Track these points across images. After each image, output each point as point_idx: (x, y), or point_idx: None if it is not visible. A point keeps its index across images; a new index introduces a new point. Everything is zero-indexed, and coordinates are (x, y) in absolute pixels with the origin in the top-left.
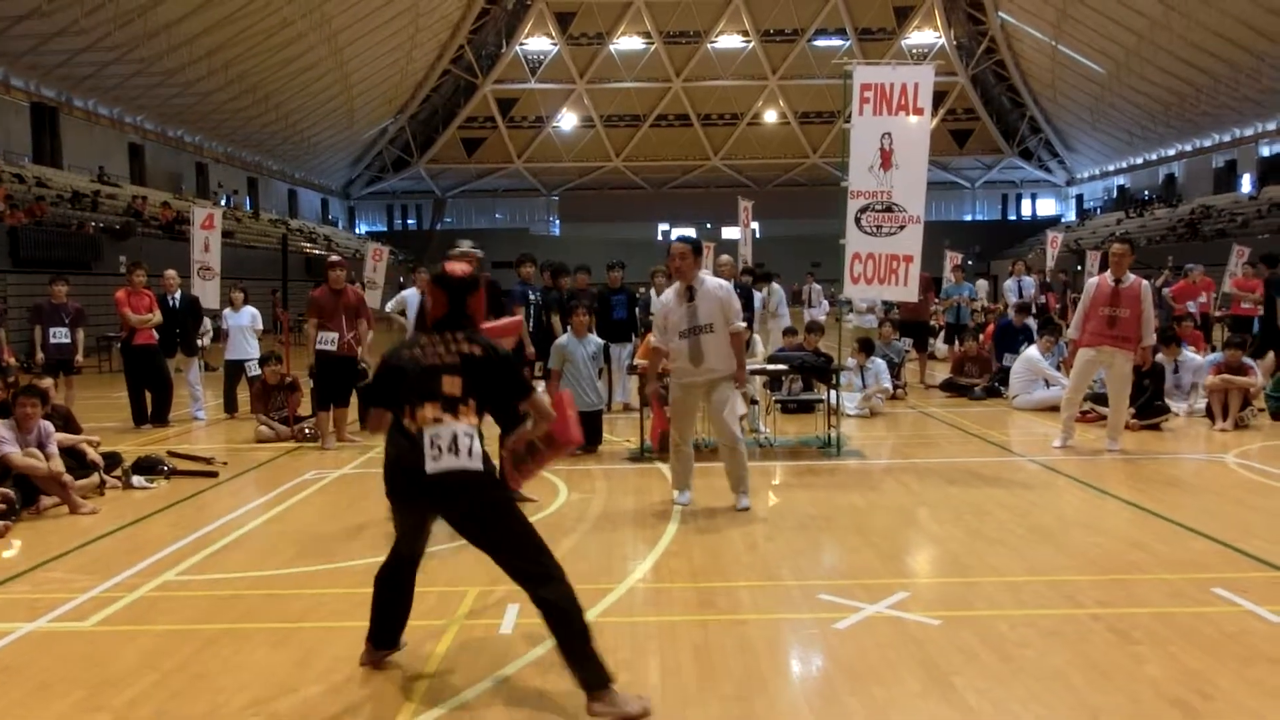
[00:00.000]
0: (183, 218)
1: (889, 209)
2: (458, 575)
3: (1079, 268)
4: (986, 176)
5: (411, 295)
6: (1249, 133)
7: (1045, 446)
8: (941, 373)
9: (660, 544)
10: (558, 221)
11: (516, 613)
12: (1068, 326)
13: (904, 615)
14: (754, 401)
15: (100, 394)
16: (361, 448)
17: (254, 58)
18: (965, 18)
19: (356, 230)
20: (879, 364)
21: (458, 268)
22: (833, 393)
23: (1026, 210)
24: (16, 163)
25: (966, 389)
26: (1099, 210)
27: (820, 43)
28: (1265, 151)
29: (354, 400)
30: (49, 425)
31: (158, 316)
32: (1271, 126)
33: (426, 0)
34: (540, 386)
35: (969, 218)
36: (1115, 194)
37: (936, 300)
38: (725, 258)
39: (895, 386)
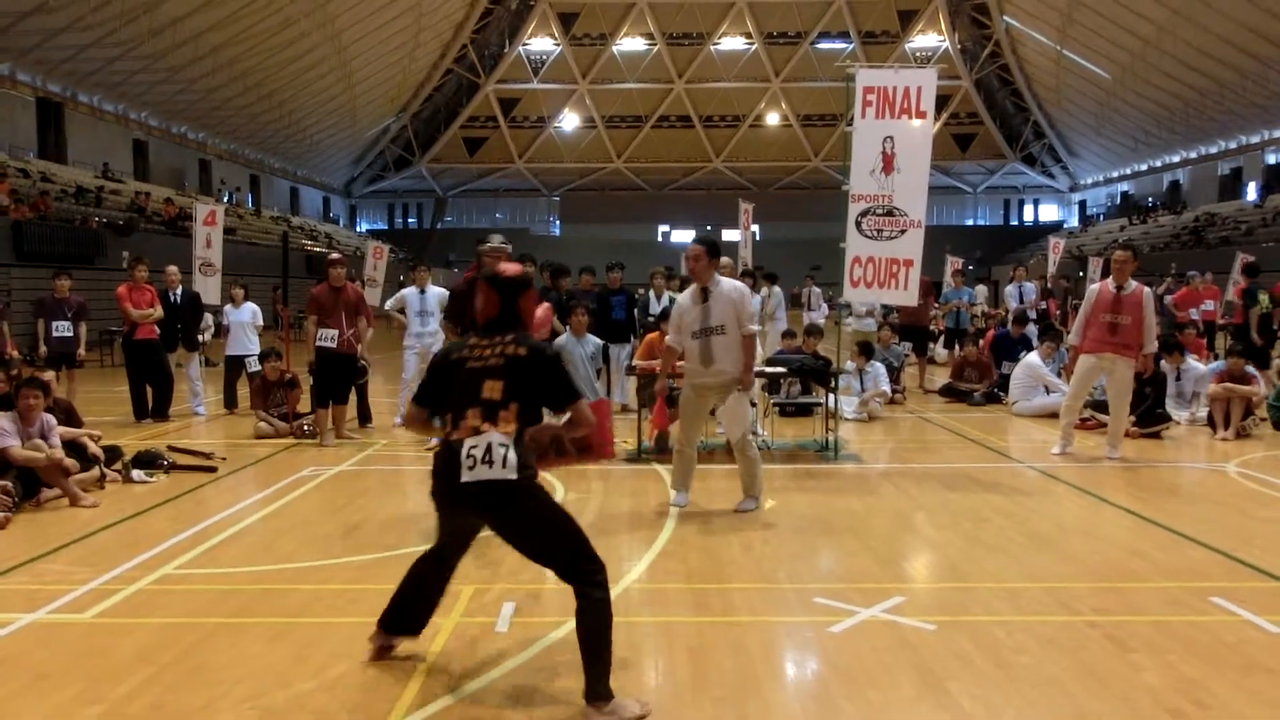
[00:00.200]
0: (185, 214)
1: (890, 213)
2: (455, 573)
3: (1081, 274)
4: (989, 181)
5: (411, 294)
6: (1255, 140)
7: (1044, 453)
8: (941, 378)
9: (656, 545)
10: (558, 222)
11: (512, 611)
12: (1068, 333)
13: (900, 620)
14: (752, 404)
15: (101, 388)
16: (360, 444)
17: (258, 55)
18: (970, 21)
19: (358, 228)
20: (878, 368)
21: (510, 268)
22: (831, 396)
23: (1029, 216)
24: (21, 158)
25: (966, 394)
26: (1102, 216)
27: (823, 45)
28: (1271, 159)
29: (353, 397)
30: (51, 418)
31: (159, 312)
32: (1278, 134)
33: (430, 0)
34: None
35: (971, 222)
36: (1119, 200)
37: (936, 305)
38: (725, 260)
39: (894, 391)
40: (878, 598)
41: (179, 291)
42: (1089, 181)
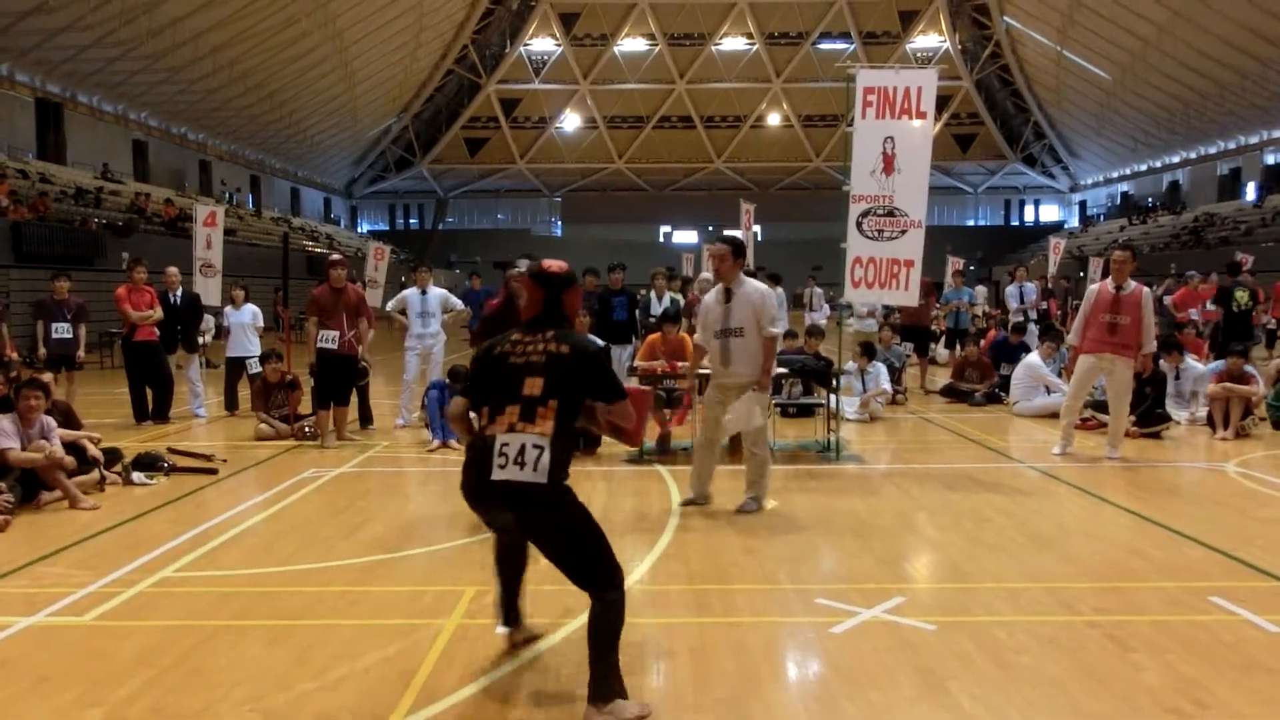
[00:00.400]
0: (185, 215)
1: (890, 213)
2: (455, 574)
3: (1081, 274)
4: (989, 182)
5: (412, 295)
6: (1254, 140)
7: (1045, 453)
8: (942, 378)
9: (658, 546)
10: (559, 222)
11: None
12: (1069, 333)
13: (900, 620)
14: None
15: (101, 390)
16: (361, 446)
17: (258, 55)
18: (970, 22)
19: (359, 229)
20: (879, 368)
21: (554, 264)
22: (832, 397)
23: (1029, 216)
24: (21, 158)
25: (967, 394)
26: (1102, 217)
27: (824, 46)
28: (1270, 159)
29: (354, 399)
30: (50, 420)
31: (158, 313)
32: (1277, 134)
33: (431, 0)
34: None
35: (971, 223)
36: (1119, 200)
37: (937, 305)
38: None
39: (895, 391)
40: (879, 598)
41: (179, 293)
42: (1089, 182)
